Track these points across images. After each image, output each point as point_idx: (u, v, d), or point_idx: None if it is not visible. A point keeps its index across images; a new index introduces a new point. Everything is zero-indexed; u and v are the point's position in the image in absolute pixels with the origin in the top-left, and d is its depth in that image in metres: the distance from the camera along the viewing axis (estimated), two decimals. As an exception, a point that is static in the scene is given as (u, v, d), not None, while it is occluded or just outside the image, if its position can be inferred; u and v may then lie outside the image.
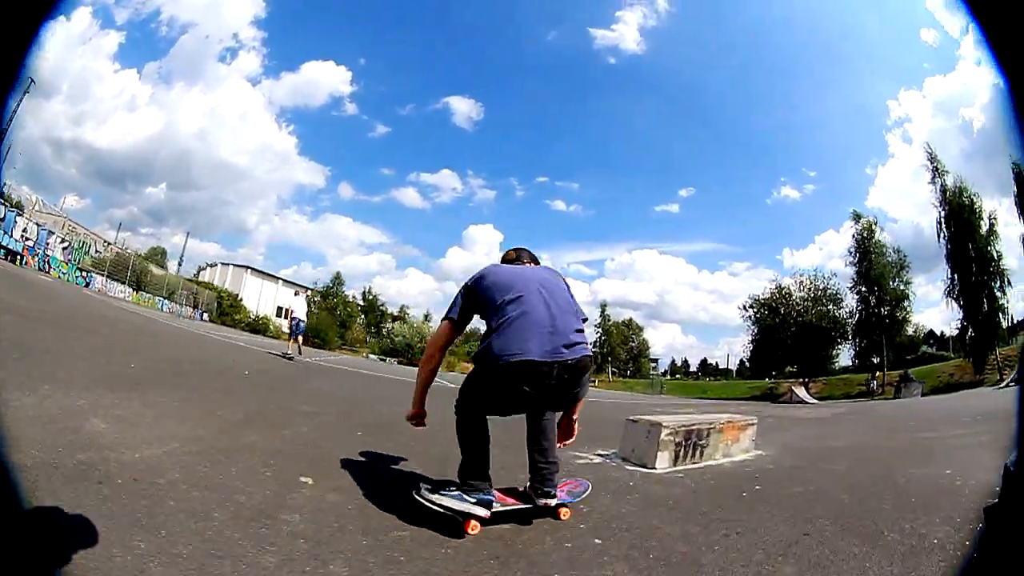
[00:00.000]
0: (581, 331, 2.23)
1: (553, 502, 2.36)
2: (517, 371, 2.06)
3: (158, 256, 48.80)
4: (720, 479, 3.65)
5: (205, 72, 72.66)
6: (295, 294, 14.05)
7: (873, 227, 34.39)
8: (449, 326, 2.38)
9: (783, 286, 39.83)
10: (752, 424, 5.01)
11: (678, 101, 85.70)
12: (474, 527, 2.09)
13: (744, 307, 41.53)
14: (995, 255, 25.89)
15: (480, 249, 78.48)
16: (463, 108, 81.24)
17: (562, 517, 2.41)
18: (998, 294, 25.79)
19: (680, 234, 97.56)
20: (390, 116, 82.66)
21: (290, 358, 11.19)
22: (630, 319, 64.57)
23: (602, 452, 4.23)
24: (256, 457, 2.75)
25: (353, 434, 3.90)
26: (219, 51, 74.20)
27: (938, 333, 51.11)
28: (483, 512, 2.10)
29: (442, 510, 2.09)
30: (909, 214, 67.07)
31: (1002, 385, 17.21)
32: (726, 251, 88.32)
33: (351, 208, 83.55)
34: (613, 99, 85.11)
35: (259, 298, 46.73)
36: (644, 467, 3.78)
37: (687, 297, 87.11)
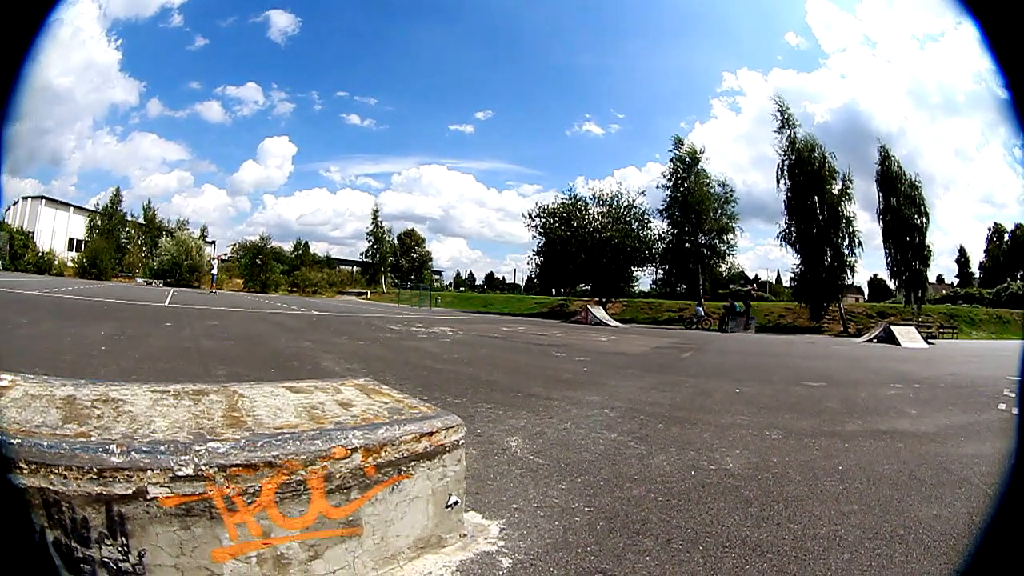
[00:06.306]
0: None
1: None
2: None
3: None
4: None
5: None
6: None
7: (697, 154, 31.42)
8: None
9: (578, 197, 34.30)
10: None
11: (494, 31, 79.96)
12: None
13: (530, 215, 34.35)
14: (848, 214, 26.28)
15: (273, 162, 75.52)
16: (282, 22, 74.73)
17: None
18: (845, 251, 26.34)
19: (471, 152, 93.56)
20: (210, 28, 71.39)
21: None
22: (412, 229, 62.73)
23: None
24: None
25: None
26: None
27: (751, 275, 53.41)
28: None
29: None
30: (723, 168, 67.44)
31: (864, 339, 18.12)
32: (516, 171, 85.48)
33: (157, 124, 73.91)
34: (428, 22, 77.70)
35: (52, 231, 40.65)
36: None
37: (472, 213, 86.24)
